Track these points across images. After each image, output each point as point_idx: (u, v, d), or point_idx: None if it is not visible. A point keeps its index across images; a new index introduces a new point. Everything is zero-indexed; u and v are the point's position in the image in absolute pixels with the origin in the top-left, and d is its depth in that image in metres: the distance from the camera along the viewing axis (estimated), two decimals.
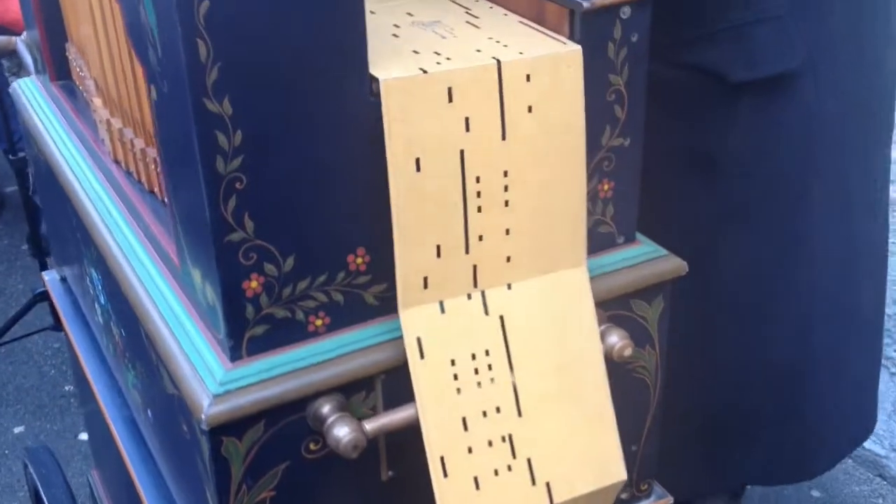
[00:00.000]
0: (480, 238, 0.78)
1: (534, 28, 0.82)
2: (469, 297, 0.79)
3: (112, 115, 1.03)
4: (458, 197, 0.77)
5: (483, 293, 0.80)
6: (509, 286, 0.81)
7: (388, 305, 0.83)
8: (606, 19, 0.81)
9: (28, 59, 1.54)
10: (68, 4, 1.16)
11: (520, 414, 0.80)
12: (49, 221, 1.44)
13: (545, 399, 0.81)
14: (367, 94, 0.74)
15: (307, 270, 0.78)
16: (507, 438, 0.80)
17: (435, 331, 0.78)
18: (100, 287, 1.11)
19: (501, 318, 0.81)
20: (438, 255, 0.77)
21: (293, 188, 0.75)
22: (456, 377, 0.79)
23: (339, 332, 0.82)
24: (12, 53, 2.22)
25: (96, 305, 1.18)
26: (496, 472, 0.79)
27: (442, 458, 0.77)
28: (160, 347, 0.85)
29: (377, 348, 0.81)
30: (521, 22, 0.83)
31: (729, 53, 1.03)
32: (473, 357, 0.79)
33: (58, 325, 2.41)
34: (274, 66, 0.70)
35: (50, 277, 1.50)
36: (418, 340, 0.78)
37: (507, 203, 0.78)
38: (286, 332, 0.80)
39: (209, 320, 0.81)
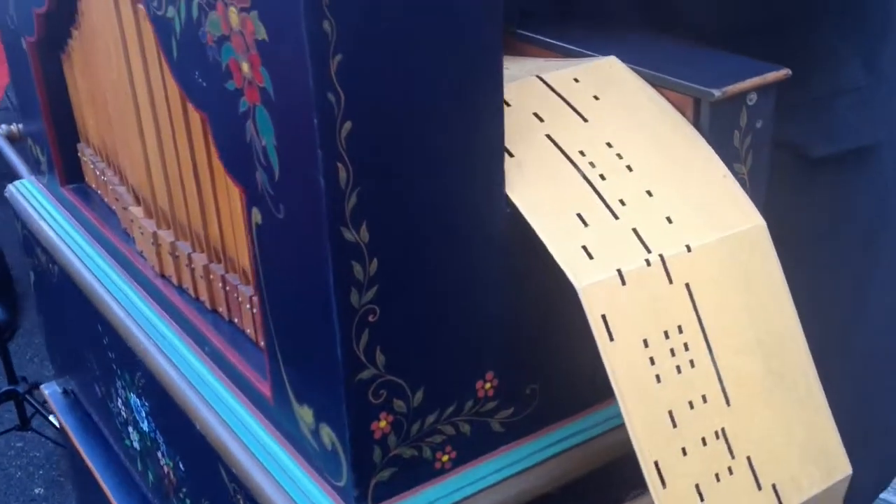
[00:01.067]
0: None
1: (689, 155, 0.74)
2: (647, 263, 0.69)
3: (159, 226, 0.93)
4: None
5: (662, 257, 0.69)
6: (688, 248, 0.70)
7: (513, 432, 0.75)
8: (734, 107, 0.75)
9: (12, 157, 1.43)
10: (87, 105, 1.06)
11: (728, 403, 0.69)
12: (54, 334, 1.32)
13: (752, 383, 0.71)
14: (504, 206, 0.67)
15: (436, 403, 0.70)
16: (720, 434, 0.69)
17: (619, 306, 0.67)
18: (143, 413, 1.01)
19: (687, 285, 0.70)
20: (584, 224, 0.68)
21: (426, 315, 0.67)
22: (652, 361, 0.67)
23: (466, 468, 0.74)
24: None
25: (130, 430, 1.08)
26: (717, 477, 0.68)
27: (656, 464, 0.66)
28: (257, 493, 0.75)
29: (505, 484, 0.74)
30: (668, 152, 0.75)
31: (809, 128, 0.99)
32: (666, 335, 0.68)
33: (24, 427, 2.26)
34: (413, 190, 0.62)
35: (50, 391, 1.38)
36: (604, 319, 0.66)
37: None
38: (412, 473, 0.71)
39: (322, 465, 0.72)
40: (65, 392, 1.36)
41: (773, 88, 0.76)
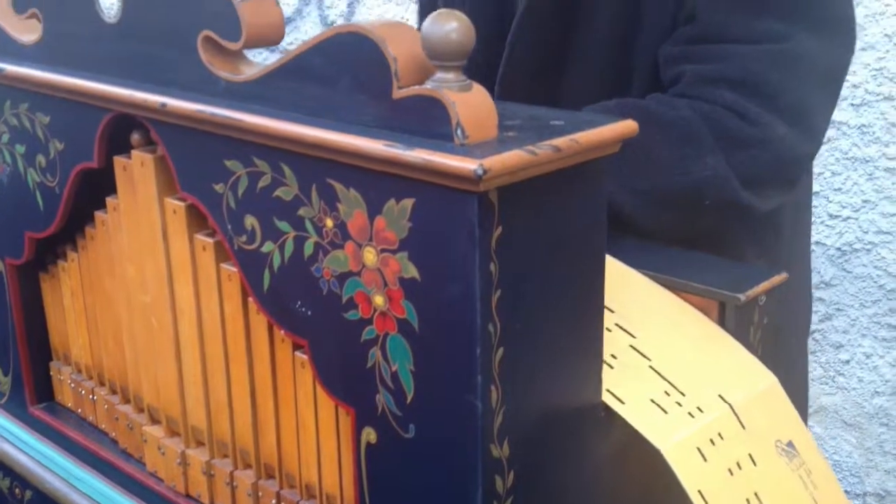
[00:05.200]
0: None
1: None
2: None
3: (188, 445, 0.93)
4: None
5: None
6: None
7: None
8: (750, 308, 0.87)
9: None
10: (75, 325, 1.05)
11: None
12: None
13: None
14: (599, 411, 0.75)
15: None
16: None
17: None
18: None
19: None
20: None
21: None
22: None
23: None
24: None
25: None
26: None
27: None
28: None
29: None
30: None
31: None
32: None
33: None
34: (546, 401, 0.69)
35: None
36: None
37: None
38: None
39: None
40: None
41: (776, 291, 0.89)
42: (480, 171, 0.57)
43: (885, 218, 2.17)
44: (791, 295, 1.20)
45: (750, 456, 0.80)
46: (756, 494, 0.78)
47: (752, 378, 0.85)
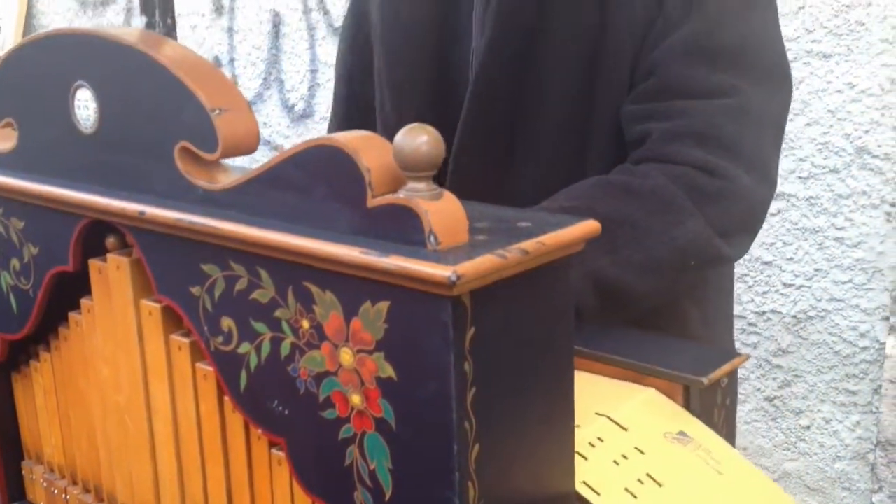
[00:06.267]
0: None
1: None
2: None
3: None
4: None
5: None
6: None
7: None
8: (713, 390, 0.90)
9: None
10: (48, 424, 1.06)
11: None
12: None
13: None
14: (573, 501, 0.77)
15: None
16: None
17: None
18: None
19: None
20: None
21: None
22: None
23: None
24: None
25: None
26: None
27: None
28: None
29: None
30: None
31: None
32: None
33: None
34: (521, 501, 0.71)
35: None
36: None
37: None
38: None
39: None
40: None
41: (736, 372, 0.92)
42: (454, 278, 0.60)
43: (837, 286, 2.23)
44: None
45: (636, 448, 0.83)
46: (649, 475, 0.81)
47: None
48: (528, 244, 0.66)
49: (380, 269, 0.64)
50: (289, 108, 3.04)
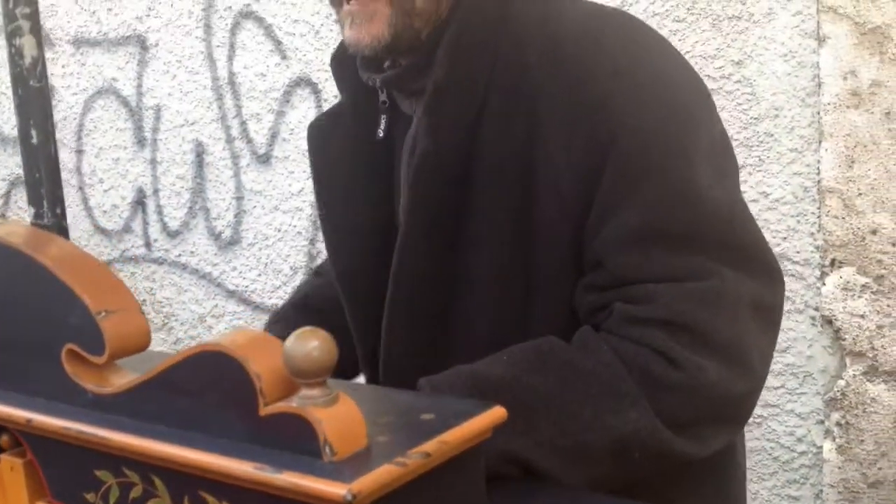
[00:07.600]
0: None
1: None
2: None
3: None
4: None
5: None
6: None
7: None
8: None
9: None
10: None
11: None
12: None
13: None
14: None
15: None
16: None
17: None
18: None
19: None
20: None
21: None
22: None
23: None
24: None
25: None
26: None
27: None
28: None
29: None
30: None
31: None
32: None
33: None
34: None
35: None
36: None
37: None
38: None
39: None
40: None
41: None
42: (350, 497, 0.58)
43: (770, 392, 2.24)
44: None
45: None
46: None
47: None
48: (430, 445, 0.63)
49: (274, 485, 0.61)
50: (216, 236, 3.01)
